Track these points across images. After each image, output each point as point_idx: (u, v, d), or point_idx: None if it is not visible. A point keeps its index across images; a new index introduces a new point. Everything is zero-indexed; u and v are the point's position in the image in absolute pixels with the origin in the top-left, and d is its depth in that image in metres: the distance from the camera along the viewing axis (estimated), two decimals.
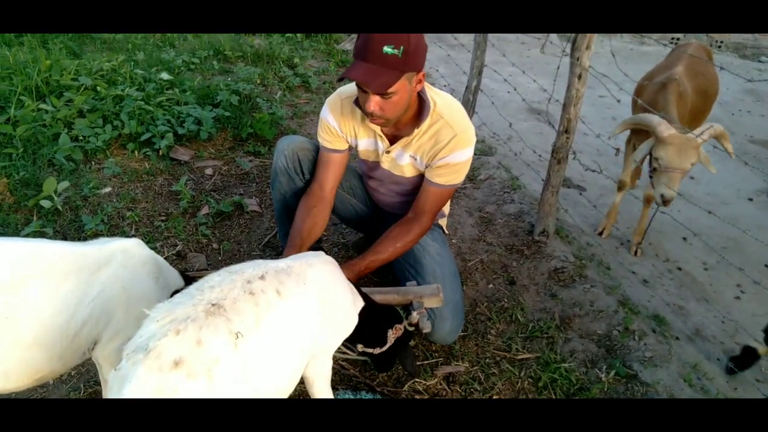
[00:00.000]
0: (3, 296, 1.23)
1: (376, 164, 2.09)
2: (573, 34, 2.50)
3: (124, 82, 3.75)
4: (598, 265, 2.73)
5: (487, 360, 2.17)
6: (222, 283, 1.16)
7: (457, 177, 1.95)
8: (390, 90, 1.63)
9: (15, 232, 2.51)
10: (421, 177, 2.03)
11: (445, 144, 1.87)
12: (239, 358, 1.07)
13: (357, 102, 1.81)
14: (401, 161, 2.00)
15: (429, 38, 7.04)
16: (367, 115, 1.74)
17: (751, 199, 3.74)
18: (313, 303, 1.33)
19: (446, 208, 2.37)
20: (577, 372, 2.12)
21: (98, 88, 3.55)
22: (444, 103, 1.89)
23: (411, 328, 1.76)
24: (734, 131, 4.96)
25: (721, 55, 7.74)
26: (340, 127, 2.00)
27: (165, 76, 3.92)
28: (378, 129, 1.93)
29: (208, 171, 3.26)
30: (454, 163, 1.90)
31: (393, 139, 1.97)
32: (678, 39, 7.81)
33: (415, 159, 1.98)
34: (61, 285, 1.30)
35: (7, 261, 1.27)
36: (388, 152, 2.00)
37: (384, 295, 1.79)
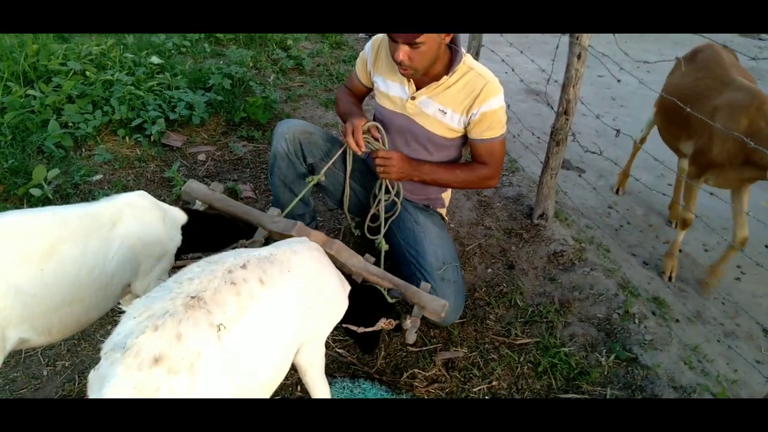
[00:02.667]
0: (40, 263, 1.32)
1: (396, 114, 2.08)
2: None
3: (114, 66, 3.67)
4: (598, 247, 2.70)
5: (487, 345, 2.15)
6: (201, 274, 1.13)
7: (501, 127, 1.99)
8: (418, 40, 1.71)
9: None
10: (446, 139, 2.04)
11: (478, 92, 1.91)
12: (222, 350, 1.04)
13: None
14: (427, 109, 2.00)
15: None
16: (398, 64, 1.83)
17: None
18: (298, 290, 1.31)
19: (447, 198, 2.34)
20: (577, 356, 2.10)
21: (87, 72, 3.48)
22: (473, 60, 1.99)
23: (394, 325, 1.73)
24: None
25: (721, 33, 7.64)
26: (374, 63, 2.10)
27: (155, 59, 3.84)
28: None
29: (201, 157, 3.20)
30: (491, 111, 1.93)
31: (421, 86, 1.99)
32: None
33: (445, 113, 1.98)
34: (87, 245, 1.42)
35: (38, 230, 1.36)
36: (413, 98, 2.00)
37: (388, 283, 1.74)
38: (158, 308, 1.02)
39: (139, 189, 2.81)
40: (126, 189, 2.82)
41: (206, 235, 1.81)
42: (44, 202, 2.62)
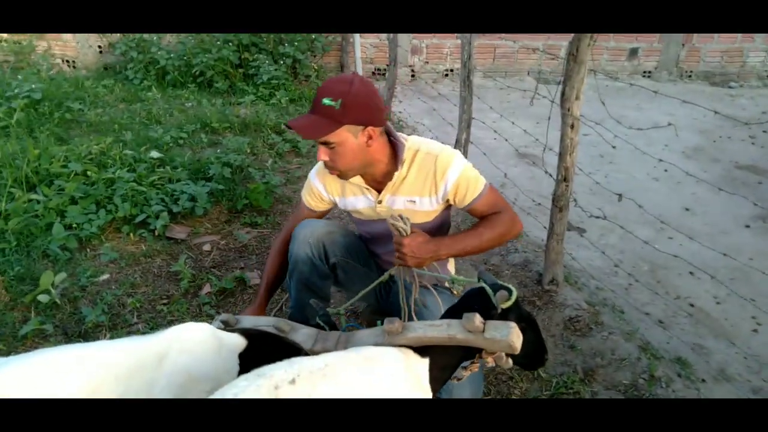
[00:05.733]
0: None
1: (374, 222, 2.07)
2: (559, 82, 2.55)
3: (115, 164, 3.73)
4: (612, 310, 2.69)
5: None
6: (246, 389, 1.05)
7: (479, 181, 1.92)
8: (329, 140, 1.74)
9: (13, 331, 2.42)
10: (428, 222, 2.00)
11: (435, 169, 1.88)
12: None
13: None
14: (397, 206, 1.98)
15: (409, 92, 7.18)
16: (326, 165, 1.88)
17: (748, 226, 3.76)
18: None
19: (452, 268, 2.32)
20: None
21: (89, 172, 3.53)
22: (417, 139, 1.97)
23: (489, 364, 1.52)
24: (719, 158, 5.06)
25: (692, 84, 7.99)
26: (326, 188, 2.08)
27: (155, 154, 3.92)
28: (362, 182, 1.96)
29: (206, 247, 3.21)
30: (459, 176, 1.88)
31: (380, 188, 1.98)
32: (650, 73, 8.07)
33: (414, 201, 1.96)
34: (129, 386, 1.30)
35: (79, 370, 1.26)
36: (380, 202, 1.98)
37: (436, 338, 1.49)
38: None
39: (146, 285, 2.82)
40: (134, 287, 2.81)
41: (267, 359, 1.70)
42: (52, 307, 2.59)
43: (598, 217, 2.58)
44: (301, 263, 2.08)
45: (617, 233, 3.53)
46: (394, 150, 1.92)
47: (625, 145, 4.43)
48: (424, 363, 1.43)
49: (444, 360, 1.50)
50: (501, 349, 1.41)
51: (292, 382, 1.10)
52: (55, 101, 5.18)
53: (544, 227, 2.86)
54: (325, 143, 1.76)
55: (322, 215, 2.21)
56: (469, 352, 1.50)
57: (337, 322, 1.92)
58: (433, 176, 1.90)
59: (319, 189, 2.09)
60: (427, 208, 1.98)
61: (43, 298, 2.57)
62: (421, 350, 1.44)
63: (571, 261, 3.09)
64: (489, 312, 1.43)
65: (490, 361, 1.47)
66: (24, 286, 2.68)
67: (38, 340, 2.41)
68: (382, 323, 1.67)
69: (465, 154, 3.91)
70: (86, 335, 2.47)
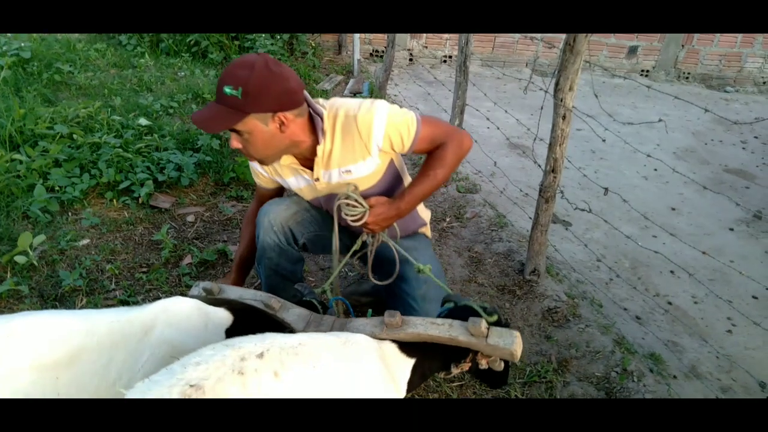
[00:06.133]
0: (56, 371, 1.22)
1: (320, 198, 2.00)
2: (554, 73, 2.54)
3: (102, 129, 3.68)
4: (591, 303, 2.71)
5: None
6: (211, 359, 1.03)
7: (407, 118, 1.78)
8: (237, 129, 1.60)
9: None
10: (378, 180, 1.92)
11: (358, 130, 1.76)
12: None
13: None
14: (335, 179, 1.88)
15: (406, 76, 7.11)
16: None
17: (732, 229, 3.79)
18: (320, 390, 1.14)
19: (426, 216, 2.24)
20: None
21: (75, 135, 3.48)
22: (336, 102, 1.81)
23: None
24: (710, 161, 5.09)
25: (689, 86, 8.00)
26: (264, 170, 1.99)
27: (143, 121, 3.86)
28: (296, 163, 1.86)
29: (190, 218, 3.18)
30: (387, 125, 1.75)
31: (311, 166, 1.88)
32: (647, 72, 8.06)
33: (350, 171, 1.85)
34: (113, 356, 1.29)
35: (62, 336, 1.25)
36: (317, 180, 1.88)
37: (436, 337, 1.49)
38: (152, 396, 0.94)
39: (126, 253, 2.80)
40: (114, 253, 2.78)
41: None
42: (29, 269, 2.56)
43: (583, 210, 2.59)
44: (269, 250, 2.03)
45: (602, 228, 3.55)
46: (313, 125, 1.78)
47: (617, 142, 4.44)
48: (408, 364, 1.42)
49: (428, 365, 1.49)
50: (501, 356, 1.41)
51: (260, 355, 1.07)
52: (45, 61, 5.08)
53: (530, 218, 2.86)
54: (235, 131, 1.63)
55: (278, 191, 2.13)
56: (457, 356, 1.50)
57: (325, 300, 1.89)
58: (359, 138, 1.77)
59: (260, 170, 2.00)
60: (366, 173, 1.86)
61: (20, 259, 2.54)
62: (408, 350, 1.43)
63: (554, 253, 3.10)
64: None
65: (484, 364, 1.47)
66: (1, 246, 2.64)
67: (13, 300, 2.38)
68: (373, 313, 1.64)
69: None
70: (62, 299, 2.44)
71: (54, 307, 2.39)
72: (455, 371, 1.54)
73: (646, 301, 2.89)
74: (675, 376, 2.35)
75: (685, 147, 5.41)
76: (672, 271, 3.15)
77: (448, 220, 3.42)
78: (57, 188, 3.09)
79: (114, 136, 3.56)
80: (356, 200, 1.80)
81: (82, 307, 2.39)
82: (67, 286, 2.47)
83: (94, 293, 2.49)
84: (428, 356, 1.47)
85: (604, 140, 2.82)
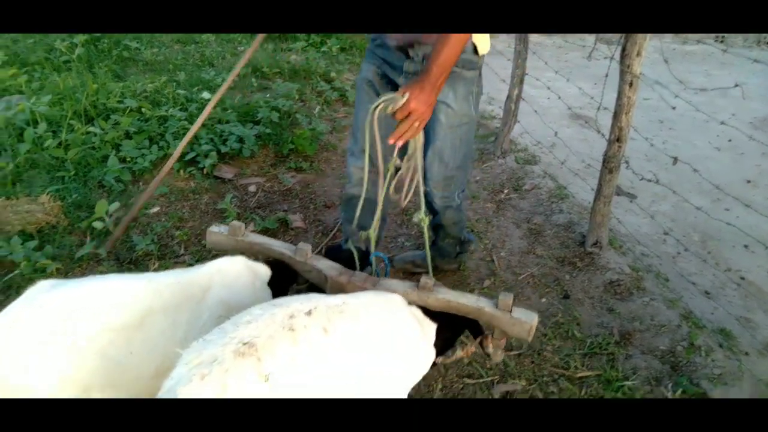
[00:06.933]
0: (127, 332, 1.29)
1: None
2: (620, 40, 2.42)
3: (168, 102, 3.82)
4: (656, 276, 2.62)
5: (545, 378, 2.09)
6: (261, 318, 1.07)
7: None
8: None
9: (70, 253, 2.56)
10: None
11: None
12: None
13: None
14: None
15: None
16: None
17: None
18: (366, 346, 1.21)
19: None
20: (642, 390, 2.03)
21: (143, 109, 3.63)
22: None
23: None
24: None
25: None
26: None
27: (206, 95, 3.98)
28: None
29: (252, 188, 3.28)
30: None
31: None
32: (723, 37, 7.55)
33: None
34: (177, 317, 1.37)
35: (130, 298, 1.33)
36: None
37: (464, 306, 1.57)
38: (208, 355, 0.98)
39: (193, 220, 2.92)
40: (182, 220, 2.91)
41: (289, 284, 1.71)
42: (106, 234, 2.71)
43: (650, 181, 2.48)
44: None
45: (669, 201, 3.39)
46: None
47: (687, 111, 4.21)
48: (433, 327, 1.50)
49: (444, 334, 1.56)
50: (517, 332, 1.51)
51: (308, 313, 1.11)
52: (114, 39, 5.29)
53: (592, 189, 2.78)
54: None
55: None
56: (470, 330, 1.62)
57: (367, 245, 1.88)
58: None
59: None
60: None
61: (97, 224, 2.70)
62: (431, 316, 1.50)
63: (617, 225, 3.00)
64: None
65: (490, 348, 1.59)
66: (81, 213, 2.81)
67: (92, 263, 2.54)
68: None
69: (516, 111, 3.81)
70: (136, 262, 2.59)
71: (129, 270, 2.54)
72: (461, 354, 1.63)
73: (717, 276, 2.76)
74: (747, 353, 2.24)
75: (763, 116, 5.06)
76: (746, 246, 2.99)
77: (506, 191, 3.37)
78: (128, 159, 3.25)
79: (179, 110, 3.69)
80: (387, 98, 1.63)
81: (154, 271, 2.53)
82: (141, 250, 2.61)
83: (165, 258, 2.62)
84: (444, 328, 1.53)
85: (674, 108, 2.68)
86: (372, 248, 1.87)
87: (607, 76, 2.69)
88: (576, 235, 2.88)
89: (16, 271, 2.37)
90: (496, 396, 2.00)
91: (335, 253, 1.85)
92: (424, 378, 1.98)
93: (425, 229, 1.77)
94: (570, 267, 2.67)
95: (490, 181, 3.49)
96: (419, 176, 1.71)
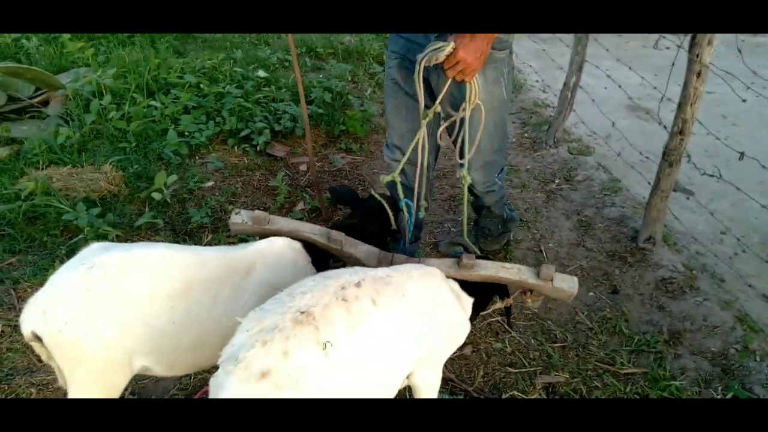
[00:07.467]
0: (172, 301, 1.34)
1: None
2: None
3: (225, 79, 3.90)
4: (711, 276, 2.53)
5: (589, 372, 2.07)
6: (315, 289, 1.14)
7: None
8: None
9: (130, 221, 2.68)
10: None
11: None
12: (329, 367, 1.05)
13: None
14: None
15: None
16: None
17: None
18: (411, 315, 1.29)
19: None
20: (689, 391, 1.98)
21: (201, 85, 3.72)
22: None
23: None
24: None
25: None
26: None
27: (261, 73, 4.05)
28: None
29: (303, 167, 3.33)
30: None
31: None
32: None
33: None
34: (220, 291, 1.41)
35: (177, 268, 1.38)
36: None
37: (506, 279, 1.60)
38: (268, 323, 1.04)
39: (245, 196, 3.00)
40: (235, 195, 2.99)
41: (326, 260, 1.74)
42: (163, 205, 2.82)
43: (712, 176, 2.39)
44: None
45: (729, 199, 3.26)
46: None
47: (754, 107, 4.02)
48: (470, 301, 1.58)
49: (481, 305, 1.65)
50: (560, 297, 1.60)
51: (358, 284, 1.18)
52: None
53: (648, 183, 2.70)
54: None
55: None
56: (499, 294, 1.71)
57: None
58: None
59: None
60: None
61: (156, 195, 2.81)
62: (468, 290, 1.57)
63: (673, 222, 2.91)
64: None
65: (530, 302, 1.65)
66: (140, 183, 2.93)
67: (150, 232, 2.65)
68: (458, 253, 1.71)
69: (572, 99, 3.71)
70: (191, 234, 2.69)
71: (184, 241, 2.64)
72: (500, 304, 1.71)
73: None
74: None
75: None
76: None
77: (557, 181, 3.31)
78: (186, 133, 3.35)
79: (236, 87, 3.77)
80: (435, 47, 1.61)
81: (207, 243, 2.62)
82: (195, 222, 2.71)
83: (218, 231, 2.71)
84: (477, 301, 1.62)
85: (744, 100, 2.56)
86: (415, 203, 1.85)
87: (673, 65, 2.58)
88: (628, 229, 2.81)
89: (80, 236, 2.50)
90: (538, 387, 2.00)
91: (338, 193, 1.99)
92: (466, 364, 2.02)
93: (464, 189, 1.79)
94: (620, 262, 2.61)
95: (541, 171, 3.43)
96: (466, 129, 1.72)
